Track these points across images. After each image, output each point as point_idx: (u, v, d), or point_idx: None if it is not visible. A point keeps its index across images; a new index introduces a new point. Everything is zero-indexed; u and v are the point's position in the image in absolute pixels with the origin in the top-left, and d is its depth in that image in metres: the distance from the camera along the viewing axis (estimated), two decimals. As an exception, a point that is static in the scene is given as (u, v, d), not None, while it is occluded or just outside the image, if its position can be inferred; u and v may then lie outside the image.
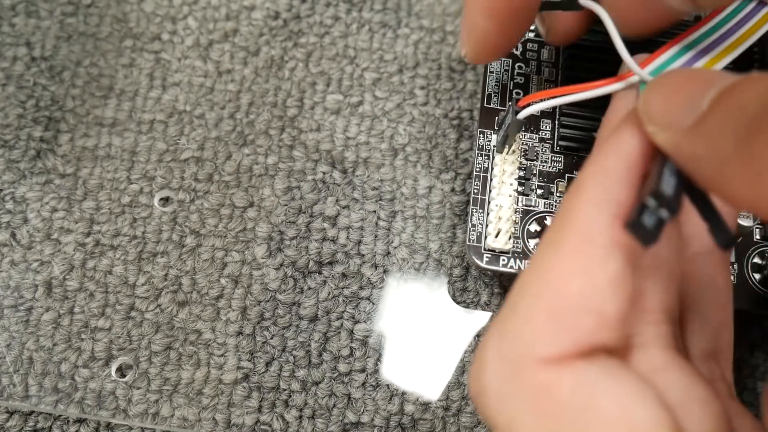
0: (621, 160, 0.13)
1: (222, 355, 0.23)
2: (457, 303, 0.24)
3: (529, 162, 0.23)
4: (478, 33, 0.18)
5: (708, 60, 0.17)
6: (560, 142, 0.23)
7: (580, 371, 0.12)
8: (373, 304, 0.24)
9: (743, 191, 0.11)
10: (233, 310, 0.23)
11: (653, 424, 0.12)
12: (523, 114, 0.20)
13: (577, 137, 0.23)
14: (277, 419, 0.22)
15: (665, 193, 0.12)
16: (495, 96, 0.24)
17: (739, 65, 0.19)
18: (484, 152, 0.23)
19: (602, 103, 0.18)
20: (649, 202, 0.12)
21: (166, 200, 0.25)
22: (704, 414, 0.13)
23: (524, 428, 0.12)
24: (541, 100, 0.19)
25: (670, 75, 0.14)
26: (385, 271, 0.24)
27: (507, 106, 0.23)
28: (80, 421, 0.22)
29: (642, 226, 0.12)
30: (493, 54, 0.19)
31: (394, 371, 0.23)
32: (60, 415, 0.22)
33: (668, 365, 0.14)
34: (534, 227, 0.22)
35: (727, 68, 0.20)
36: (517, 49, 0.24)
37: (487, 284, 0.24)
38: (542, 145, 0.23)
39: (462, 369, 0.23)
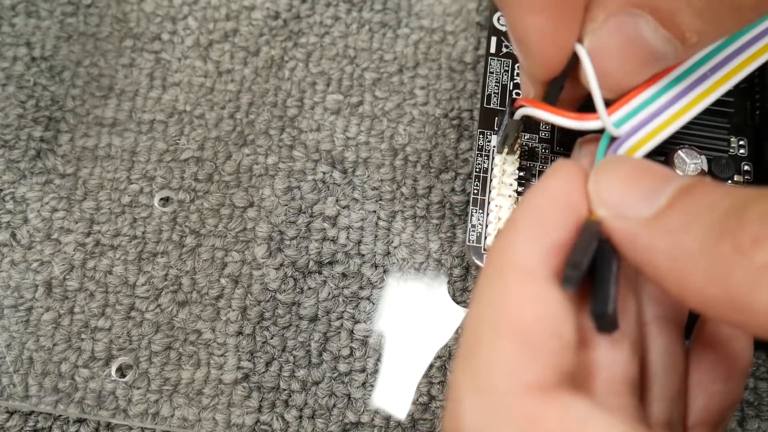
0: (553, 200, 0.14)
1: (222, 355, 0.23)
2: (457, 303, 0.24)
3: (529, 162, 0.23)
4: (535, 37, 0.15)
5: (686, 103, 0.16)
6: (560, 143, 0.23)
7: (567, 402, 0.12)
8: (373, 304, 0.24)
9: (702, 289, 0.11)
10: (233, 310, 0.23)
11: None
12: (517, 115, 0.20)
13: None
14: (277, 419, 0.22)
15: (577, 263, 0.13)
16: (495, 96, 0.24)
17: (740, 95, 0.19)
18: (483, 152, 0.23)
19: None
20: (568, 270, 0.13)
21: (166, 200, 0.25)
22: None
23: None
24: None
25: (621, 162, 0.14)
26: (385, 271, 0.24)
27: (506, 106, 0.23)
28: (80, 421, 0.22)
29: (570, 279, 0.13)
30: (561, 57, 0.16)
31: (394, 371, 0.23)
32: (60, 415, 0.22)
33: None
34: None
35: (724, 100, 0.20)
36: (517, 49, 0.24)
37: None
38: (542, 146, 0.23)
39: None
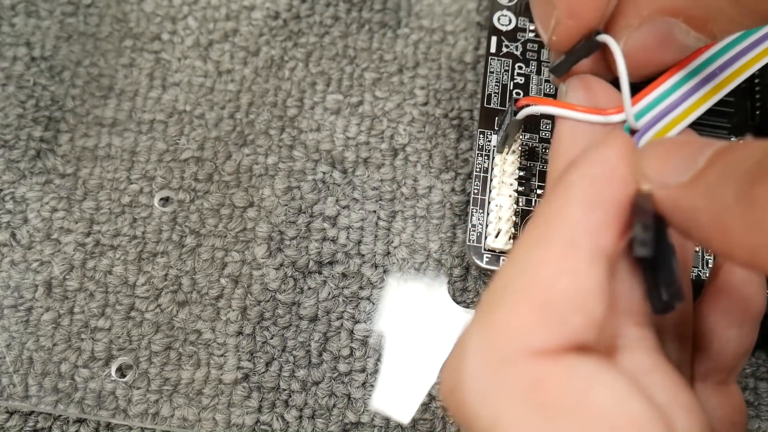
0: (609, 170, 0.13)
1: (222, 355, 0.23)
2: (457, 303, 0.24)
3: (529, 162, 0.23)
4: (565, 8, 0.16)
5: (700, 96, 0.17)
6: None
7: (571, 364, 0.12)
8: (373, 304, 0.24)
9: (743, 239, 0.11)
10: (233, 310, 0.23)
11: (648, 419, 0.12)
12: (521, 114, 0.20)
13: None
14: (277, 419, 0.22)
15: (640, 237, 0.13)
16: (495, 96, 0.24)
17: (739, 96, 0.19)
18: (484, 152, 0.23)
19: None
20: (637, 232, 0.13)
21: (166, 200, 0.25)
22: (689, 420, 0.13)
23: (513, 422, 0.12)
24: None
25: (660, 141, 0.14)
26: (385, 271, 0.24)
27: (507, 106, 0.23)
28: (80, 421, 0.22)
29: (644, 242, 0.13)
30: (583, 29, 0.16)
31: (394, 372, 0.23)
32: (60, 415, 0.22)
33: (654, 368, 0.14)
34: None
35: (724, 100, 0.20)
36: (517, 50, 0.24)
37: (487, 284, 0.24)
38: (542, 146, 0.23)
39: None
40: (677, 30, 0.15)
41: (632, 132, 0.16)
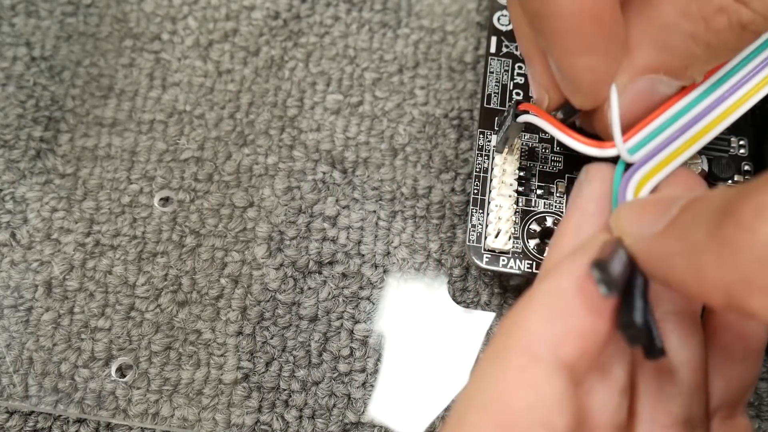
0: (573, 282, 0.14)
1: (222, 355, 0.23)
2: (457, 303, 0.24)
3: (529, 162, 0.23)
4: (587, 76, 0.16)
5: (697, 132, 0.17)
6: (560, 144, 0.23)
7: None
8: (373, 304, 0.24)
9: (717, 276, 0.11)
10: (233, 310, 0.23)
11: None
12: (521, 119, 0.20)
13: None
14: (277, 419, 0.22)
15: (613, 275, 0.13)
16: (495, 96, 0.24)
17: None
18: (484, 152, 0.23)
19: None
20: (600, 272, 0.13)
21: (166, 200, 0.25)
22: None
23: None
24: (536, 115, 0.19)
25: (638, 198, 0.15)
26: (385, 271, 0.24)
27: (507, 106, 0.23)
28: (80, 421, 0.22)
29: (609, 274, 0.13)
30: (607, 89, 0.16)
31: (394, 371, 0.23)
32: (60, 415, 0.22)
33: None
34: (534, 227, 0.22)
35: (720, 137, 0.21)
36: (517, 50, 0.24)
37: (487, 284, 0.24)
38: (542, 146, 0.23)
39: (462, 368, 0.23)
40: (659, 84, 0.16)
41: (627, 166, 0.16)
